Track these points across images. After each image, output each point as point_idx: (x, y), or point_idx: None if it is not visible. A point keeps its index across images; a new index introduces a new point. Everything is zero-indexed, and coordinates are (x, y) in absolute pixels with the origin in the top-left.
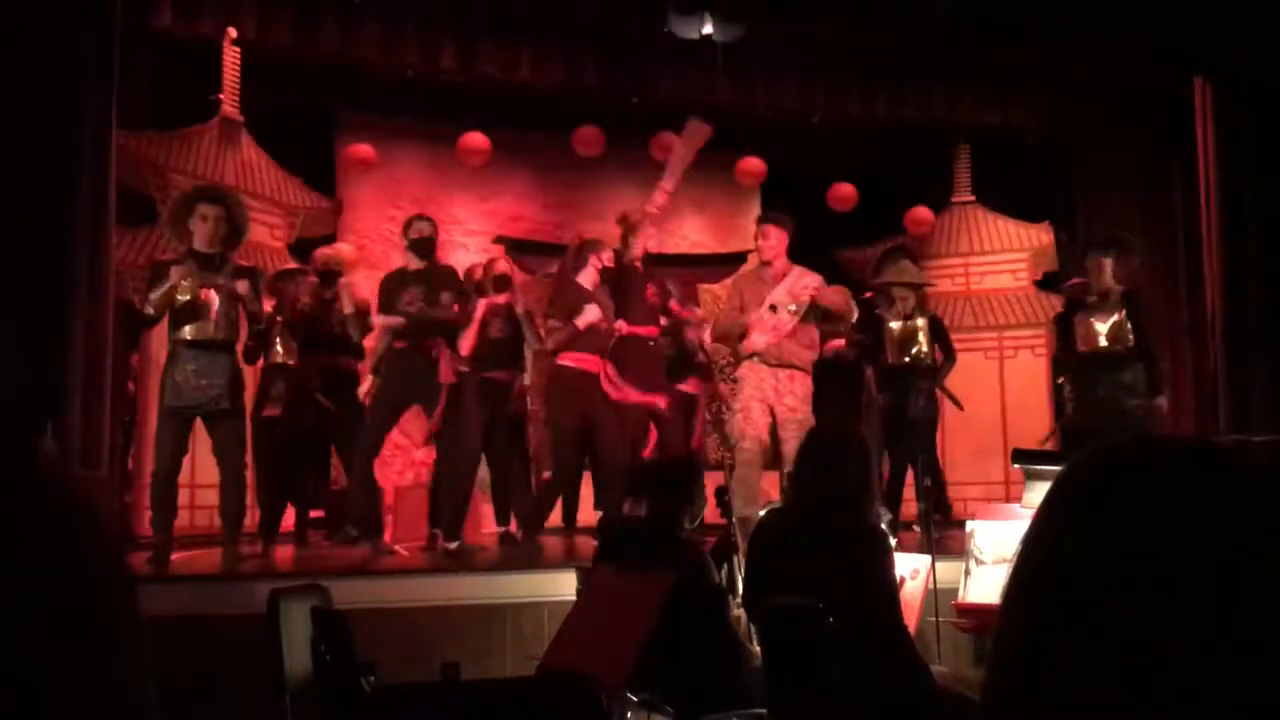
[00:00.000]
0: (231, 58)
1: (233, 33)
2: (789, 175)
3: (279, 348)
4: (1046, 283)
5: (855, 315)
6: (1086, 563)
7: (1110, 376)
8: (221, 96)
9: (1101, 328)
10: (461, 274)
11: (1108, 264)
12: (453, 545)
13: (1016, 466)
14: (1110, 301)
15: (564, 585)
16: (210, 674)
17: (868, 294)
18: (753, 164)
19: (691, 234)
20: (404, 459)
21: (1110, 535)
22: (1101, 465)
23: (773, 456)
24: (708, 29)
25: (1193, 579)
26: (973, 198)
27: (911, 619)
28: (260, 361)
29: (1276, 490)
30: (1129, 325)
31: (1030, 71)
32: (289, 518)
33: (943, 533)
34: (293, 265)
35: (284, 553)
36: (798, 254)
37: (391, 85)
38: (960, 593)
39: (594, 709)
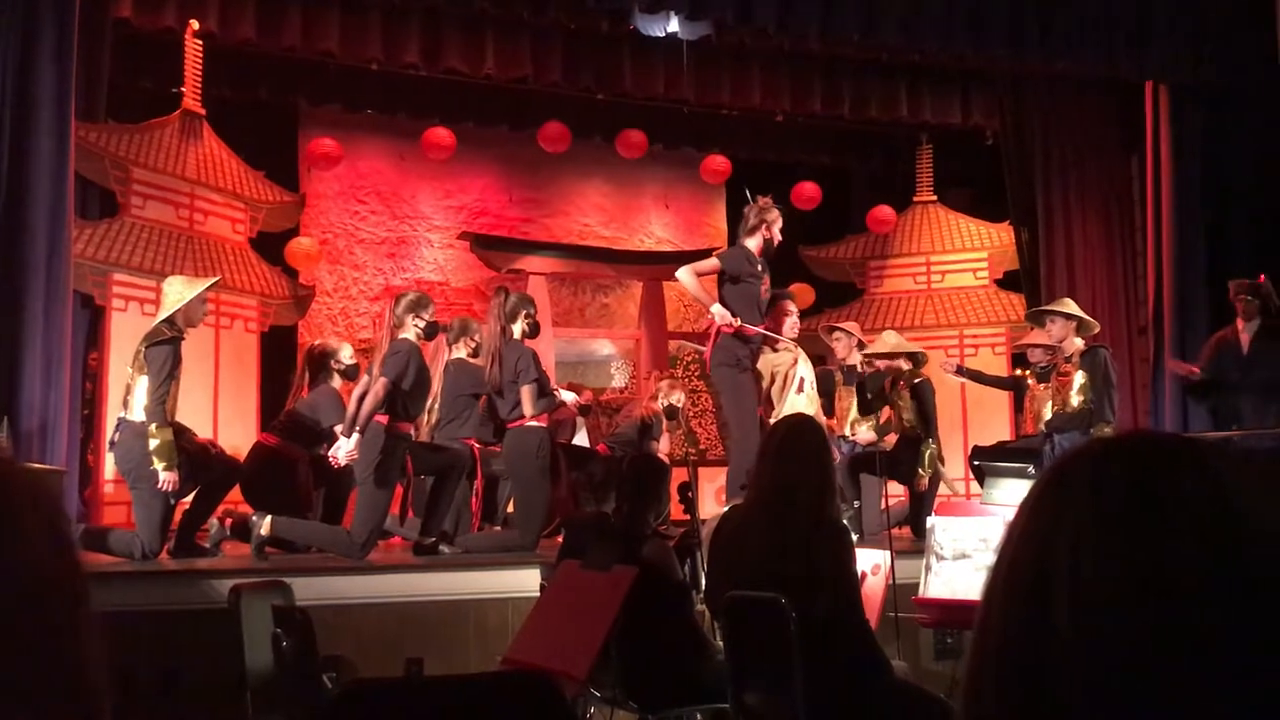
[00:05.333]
0: (193, 50)
1: (195, 25)
2: (753, 173)
3: None
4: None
5: None
6: (1086, 555)
7: None
8: (183, 89)
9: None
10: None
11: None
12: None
13: (976, 464)
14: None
15: (528, 581)
16: (172, 668)
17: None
18: (717, 162)
19: (657, 230)
20: None
21: (1113, 528)
22: (1096, 459)
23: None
24: (673, 27)
25: (1190, 572)
26: (934, 197)
27: (873, 614)
28: None
29: (1256, 484)
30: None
31: (991, 70)
32: None
33: None
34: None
35: (245, 548)
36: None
37: (355, 79)
38: (921, 588)
39: (557, 705)
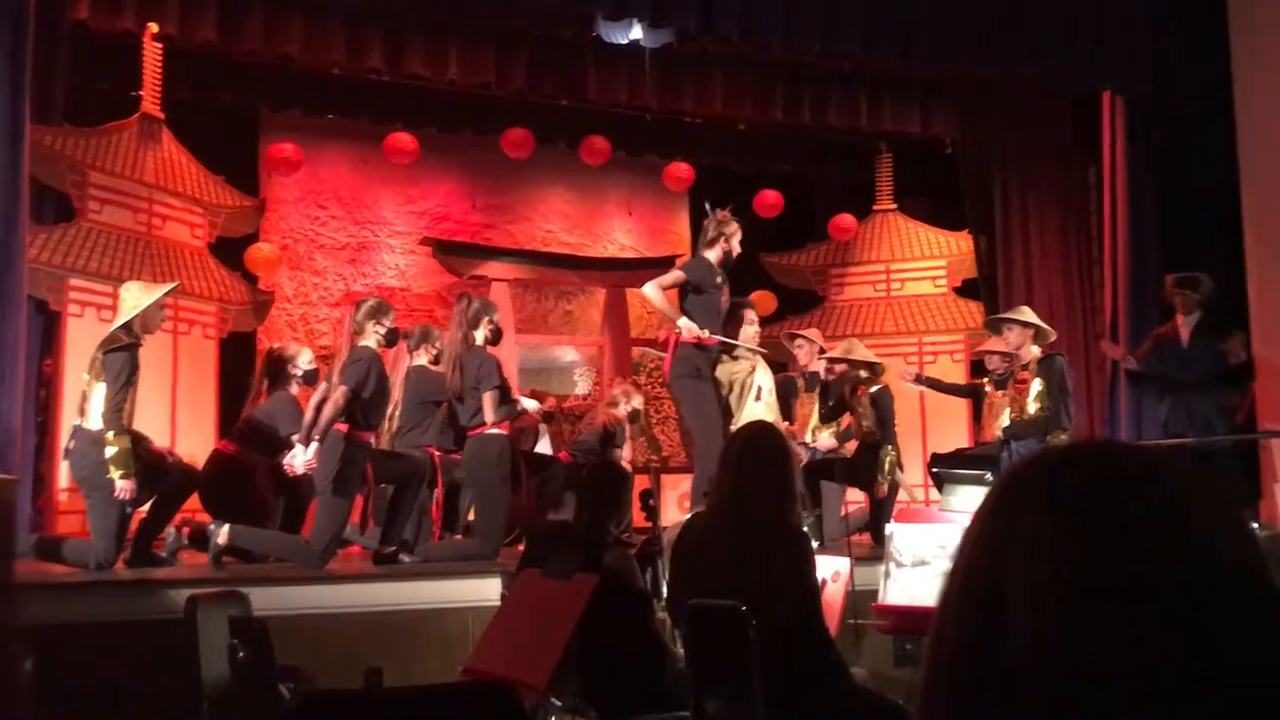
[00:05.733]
0: (153, 53)
1: (154, 27)
2: (716, 180)
3: None
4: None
5: None
6: (1041, 563)
7: None
8: (142, 93)
9: None
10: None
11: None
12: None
13: (935, 471)
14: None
15: (489, 590)
16: (127, 680)
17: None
18: (681, 169)
19: (620, 237)
20: None
21: (1068, 536)
22: (1051, 467)
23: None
24: (636, 35)
25: (1145, 579)
26: (894, 205)
27: (833, 621)
28: None
29: (1210, 490)
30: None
31: (950, 81)
32: None
33: None
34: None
35: (203, 557)
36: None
37: (317, 83)
38: (880, 594)
39: (517, 715)
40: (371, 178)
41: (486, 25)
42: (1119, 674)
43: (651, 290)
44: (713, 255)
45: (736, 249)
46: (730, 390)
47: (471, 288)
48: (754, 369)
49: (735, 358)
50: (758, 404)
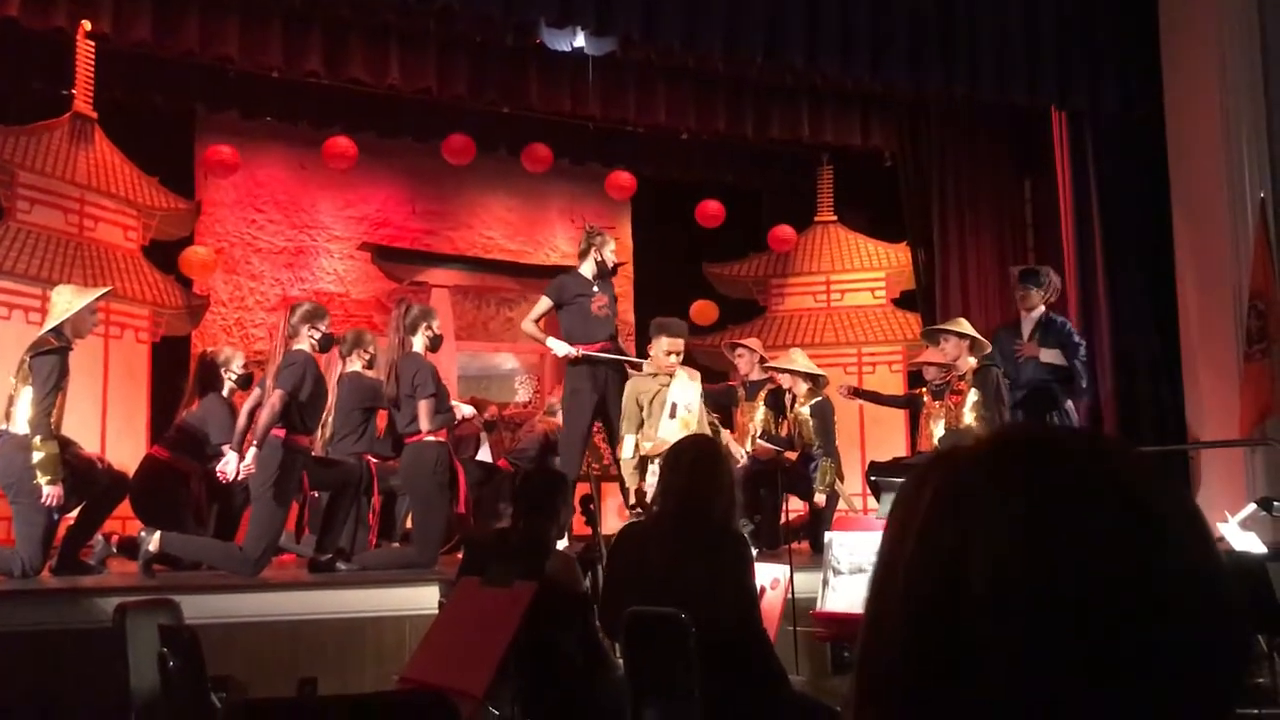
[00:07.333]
0: (85, 51)
1: (87, 25)
2: (658, 189)
3: None
4: None
5: None
6: (1007, 568)
7: None
8: (74, 91)
9: None
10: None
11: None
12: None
13: (873, 480)
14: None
15: (426, 598)
16: (55, 690)
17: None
18: (623, 178)
19: (562, 245)
20: None
21: (1033, 532)
22: (984, 457)
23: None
24: (580, 42)
25: (1098, 571)
26: (834, 217)
27: (771, 628)
28: None
29: (1157, 479)
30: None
31: (890, 94)
32: None
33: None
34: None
35: (132, 565)
36: (667, 268)
37: (255, 85)
38: (819, 602)
39: None
40: (310, 181)
41: (428, 31)
42: (1076, 668)
43: (528, 326)
44: (586, 267)
45: (609, 259)
46: (641, 409)
47: (411, 294)
48: (665, 386)
49: (647, 374)
50: (672, 421)
